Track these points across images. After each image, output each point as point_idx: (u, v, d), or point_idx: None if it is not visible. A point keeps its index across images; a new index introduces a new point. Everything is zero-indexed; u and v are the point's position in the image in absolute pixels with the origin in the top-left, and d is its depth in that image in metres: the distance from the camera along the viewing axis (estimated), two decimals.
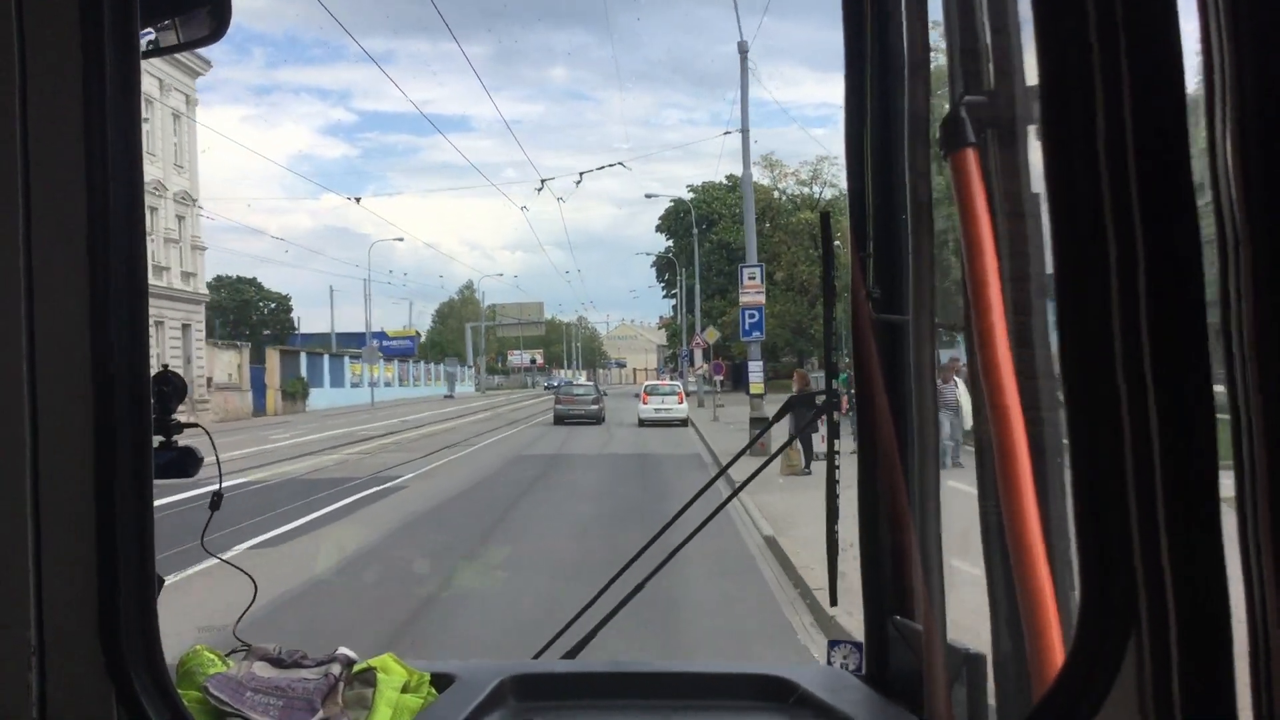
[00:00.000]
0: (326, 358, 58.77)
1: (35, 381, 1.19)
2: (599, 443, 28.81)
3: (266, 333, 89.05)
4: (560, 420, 38.12)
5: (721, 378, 40.47)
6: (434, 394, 77.11)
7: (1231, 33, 0.88)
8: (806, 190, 61.68)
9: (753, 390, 22.49)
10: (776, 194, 65.45)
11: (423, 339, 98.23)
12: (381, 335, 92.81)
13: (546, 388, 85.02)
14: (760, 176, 67.97)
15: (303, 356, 54.13)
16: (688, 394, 38.40)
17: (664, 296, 79.72)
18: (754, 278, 23.48)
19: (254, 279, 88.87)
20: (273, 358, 48.85)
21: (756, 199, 63.66)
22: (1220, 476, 0.96)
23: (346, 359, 61.97)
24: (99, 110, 1.20)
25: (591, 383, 52.25)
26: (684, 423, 34.23)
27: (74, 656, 1.20)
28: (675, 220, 72.56)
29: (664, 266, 76.66)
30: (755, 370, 22.86)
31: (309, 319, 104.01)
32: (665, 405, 35.36)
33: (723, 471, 2.53)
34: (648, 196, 50.40)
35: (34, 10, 1.19)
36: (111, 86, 1.22)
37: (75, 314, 1.19)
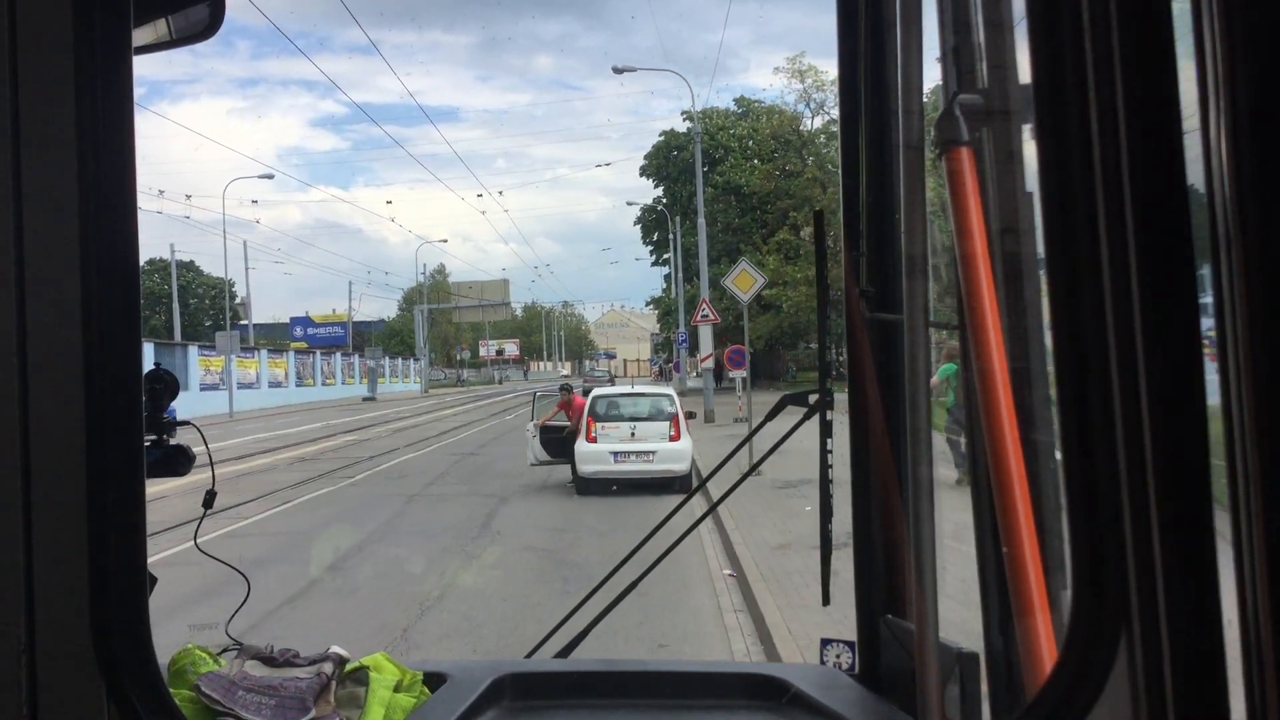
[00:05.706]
0: (149, 347, 39.84)
1: (27, 379, 1.19)
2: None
3: (208, 323, 75.87)
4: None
5: (744, 373, 22.07)
6: (354, 395, 59.31)
7: (1225, 29, 0.88)
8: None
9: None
10: (808, 115, 46.80)
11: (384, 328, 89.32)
12: (306, 321, 77.83)
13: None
14: (785, 94, 48.92)
15: None
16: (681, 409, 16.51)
17: (654, 264, 60.87)
18: None
19: (190, 262, 79.77)
20: None
21: (780, 127, 44.37)
22: (1213, 476, 0.96)
23: (193, 350, 43.15)
24: (91, 106, 1.20)
25: (607, 370, 65.49)
26: (683, 484, 15.45)
27: (65, 655, 1.20)
28: (665, 160, 53.92)
29: (652, 224, 57.97)
30: None
31: (272, 309, 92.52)
32: (640, 445, 15.79)
33: (708, 478, 2.56)
34: (616, 70, 30.71)
35: (26, 7, 1.20)
36: (104, 82, 1.22)
37: (67, 311, 1.19)
